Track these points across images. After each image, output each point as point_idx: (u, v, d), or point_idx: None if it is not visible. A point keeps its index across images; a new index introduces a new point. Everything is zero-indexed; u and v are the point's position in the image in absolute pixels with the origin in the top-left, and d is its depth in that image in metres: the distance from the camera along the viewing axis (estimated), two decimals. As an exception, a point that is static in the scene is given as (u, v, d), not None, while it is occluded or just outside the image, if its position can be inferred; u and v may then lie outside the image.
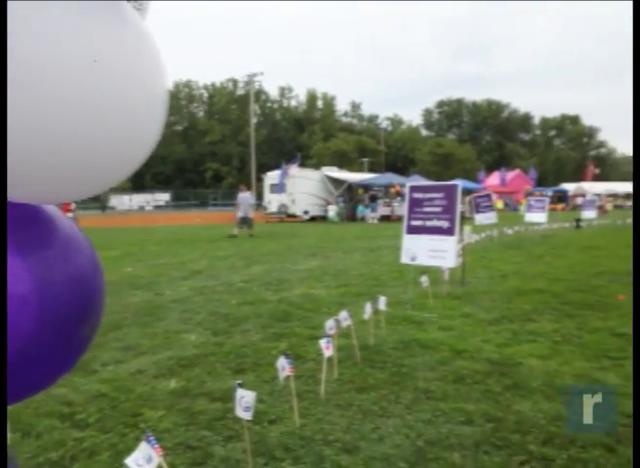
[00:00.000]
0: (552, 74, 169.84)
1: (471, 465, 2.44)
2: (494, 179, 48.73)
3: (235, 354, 4.30)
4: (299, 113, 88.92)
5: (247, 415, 2.35)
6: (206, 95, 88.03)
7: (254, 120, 64.89)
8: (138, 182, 70.14)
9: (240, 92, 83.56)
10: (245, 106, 71.27)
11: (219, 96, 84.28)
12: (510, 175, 50.84)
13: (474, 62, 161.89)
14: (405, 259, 5.79)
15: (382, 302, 4.73)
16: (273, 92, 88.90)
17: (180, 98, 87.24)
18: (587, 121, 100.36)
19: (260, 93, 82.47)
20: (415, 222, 5.61)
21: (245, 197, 18.63)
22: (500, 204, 43.78)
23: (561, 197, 50.60)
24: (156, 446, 1.82)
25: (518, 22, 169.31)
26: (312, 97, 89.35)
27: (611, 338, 4.59)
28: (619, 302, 6.16)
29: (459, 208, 5.37)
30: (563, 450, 2.56)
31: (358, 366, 3.91)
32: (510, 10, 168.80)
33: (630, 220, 23.19)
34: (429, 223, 5.48)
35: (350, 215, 30.78)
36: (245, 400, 2.34)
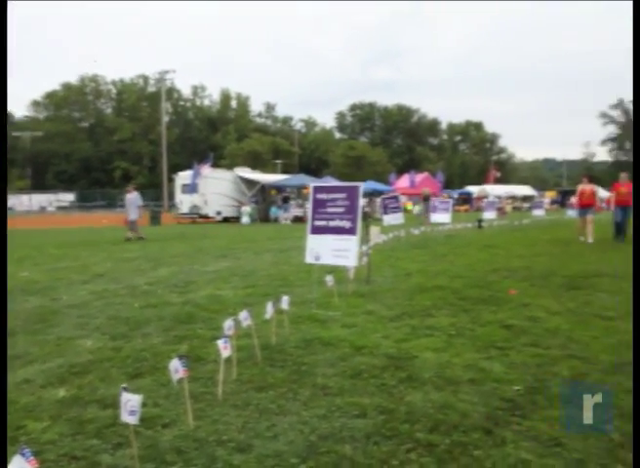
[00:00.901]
0: (458, 82, 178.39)
1: (361, 456, 2.51)
2: (404, 182, 50.44)
3: (133, 358, 4.16)
4: (212, 113, 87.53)
5: (133, 419, 2.29)
6: (114, 91, 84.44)
7: (165, 118, 63.09)
8: (38, 181, 66.04)
9: (151, 89, 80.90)
10: (156, 104, 69.13)
11: (128, 92, 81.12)
12: (419, 177, 52.71)
13: (386, 68, 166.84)
14: (309, 259, 5.87)
15: (285, 302, 4.76)
16: (186, 90, 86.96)
17: (87, 93, 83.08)
18: (490, 128, 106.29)
19: (171, 91, 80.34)
20: (318, 223, 5.70)
21: (132, 198, 17.84)
22: (409, 205, 45.40)
23: (466, 199, 53.21)
24: (31, 458, 1.73)
25: (428, 32, 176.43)
26: (226, 97, 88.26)
27: (500, 330, 4.89)
28: (510, 297, 6.57)
29: (360, 208, 5.50)
30: (447, 436, 2.69)
31: (259, 365, 3.91)
32: (420, 20, 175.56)
33: (526, 221, 24.86)
34: (332, 223, 5.59)
35: (263, 217, 30.71)
36: (130, 404, 2.27)
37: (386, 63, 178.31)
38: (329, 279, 6.20)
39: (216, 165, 43.08)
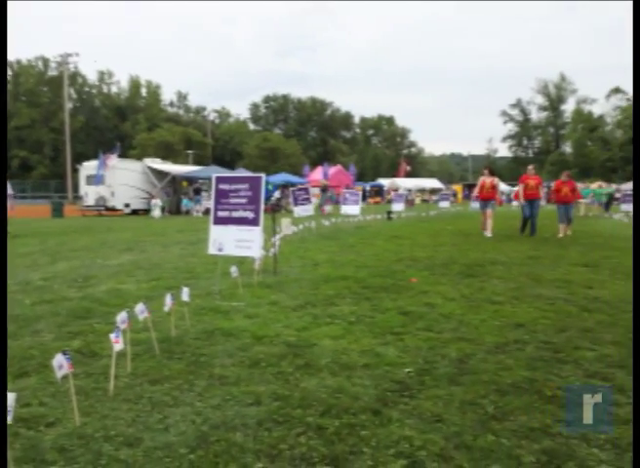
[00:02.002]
0: (371, 77, 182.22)
1: (251, 442, 2.54)
2: (317, 174, 50.91)
3: (20, 357, 3.93)
4: (120, 101, 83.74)
5: (7, 419, 2.16)
6: (10, 73, 78.55)
7: (69, 105, 59.61)
8: None
9: (52, 73, 75.96)
10: (58, 89, 65.04)
11: (25, 75, 75.66)
12: (333, 169, 53.39)
13: (300, 61, 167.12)
14: (212, 250, 5.80)
15: (186, 294, 4.68)
16: (91, 76, 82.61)
17: (-22, 76, 76.67)
18: (401, 122, 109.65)
19: (75, 75, 75.97)
20: (221, 213, 5.65)
21: None
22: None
23: (378, 191, 54.57)
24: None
25: (341, 27, 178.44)
26: (135, 85, 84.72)
27: (398, 316, 5.09)
28: (411, 284, 6.84)
29: (263, 199, 5.51)
30: (337, 419, 2.78)
31: (156, 358, 3.83)
32: (334, 14, 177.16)
33: (433, 212, 25.94)
34: (236, 214, 5.55)
35: (175, 209, 29.90)
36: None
37: (300, 56, 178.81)
38: (234, 270, 6.17)
39: (124, 155, 41.38)
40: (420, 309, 5.39)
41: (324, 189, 23.33)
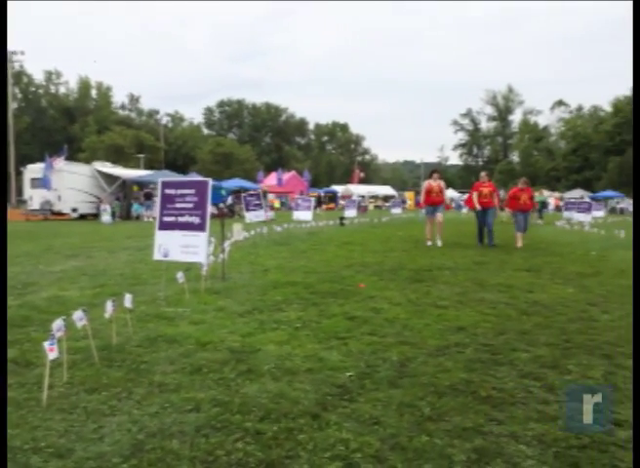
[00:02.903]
0: (326, 84, 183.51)
1: (187, 449, 2.51)
2: (271, 180, 50.92)
3: (-52, 368, 3.75)
4: (69, 102, 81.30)
5: None
6: (-51, 72, 75.06)
7: (14, 105, 57.48)
8: None
9: (-5, 72, 72.94)
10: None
11: (-34, 74, 72.45)
12: (287, 175, 53.52)
13: (255, 66, 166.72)
14: (157, 256, 5.72)
15: (129, 300, 4.59)
16: (38, 75, 79.91)
17: None
18: (355, 129, 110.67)
19: (20, 74, 73.35)
20: (167, 218, 5.57)
21: None
22: (277, 203, 45.89)
23: (332, 197, 54.91)
24: None
25: (297, 33, 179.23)
26: (85, 86, 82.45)
27: (344, 321, 5.13)
28: (359, 290, 6.91)
29: (209, 204, 5.47)
30: (276, 424, 2.78)
31: (95, 366, 3.73)
32: (289, 20, 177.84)
33: (385, 218, 26.28)
34: (181, 219, 5.49)
35: (125, 214, 29.23)
36: None
37: (255, 61, 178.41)
38: (180, 276, 6.09)
39: (72, 158, 40.20)
40: (365, 314, 5.45)
41: (264, 195, 23.23)
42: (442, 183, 13.50)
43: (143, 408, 3.02)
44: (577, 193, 55.59)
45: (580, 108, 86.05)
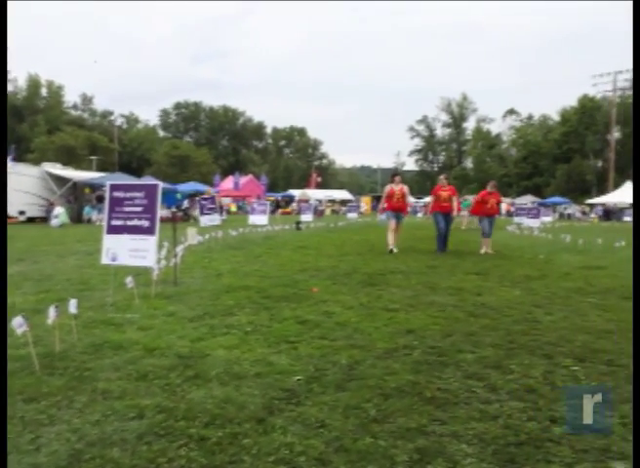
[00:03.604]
0: (284, 88, 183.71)
1: (128, 458, 2.46)
2: (228, 183, 50.51)
3: None
4: (17, 100, 78.45)
5: None
6: None
7: (-44, 104, 55.13)
8: None
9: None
10: (-56, 87, 59.87)
11: None
12: (244, 179, 53.21)
13: (211, 68, 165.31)
14: (105, 260, 5.59)
15: (73, 306, 4.47)
16: (-17, 73, 76.76)
17: None
18: (312, 134, 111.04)
19: (-36, 73, 70.31)
20: (115, 222, 5.46)
21: None
22: (233, 207, 45.55)
23: (288, 201, 54.92)
24: None
25: (254, 36, 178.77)
26: (35, 84, 79.73)
27: (294, 325, 5.14)
28: (312, 294, 6.93)
29: (159, 207, 5.39)
30: (221, 429, 2.76)
31: (35, 375, 3.61)
32: (247, 23, 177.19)
33: (341, 223, 26.45)
34: (130, 223, 5.39)
35: (76, 217, 28.39)
36: None
37: (213, 63, 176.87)
38: (129, 281, 5.96)
39: (21, 158, 38.82)
40: (317, 318, 5.47)
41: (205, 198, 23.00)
42: (405, 188, 12.60)
43: (85, 416, 2.94)
44: (527, 199, 57.37)
45: (530, 117, 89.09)
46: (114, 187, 5.52)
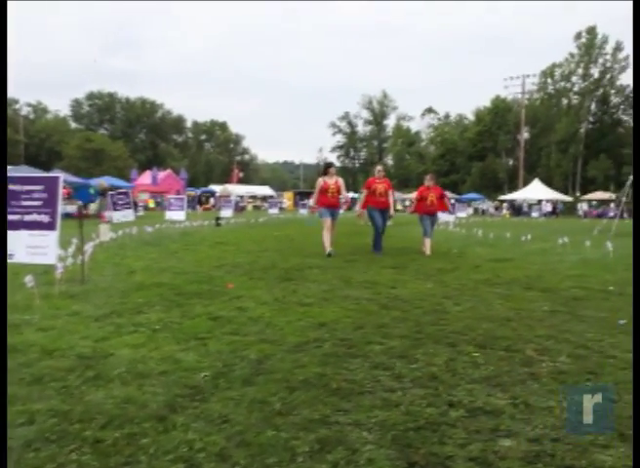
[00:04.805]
0: (204, 80, 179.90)
1: (12, 466, 2.33)
2: (146, 178, 48.97)
3: None
4: None
5: None
6: None
7: None
8: None
9: None
10: None
11: None
12: (162, 174, 51.77)
13: (128, 58, 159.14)
14: (0, 258, 5.24)
15: (-40, 307, 4.16)
16: None
17: None
18: (234, 128, 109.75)
19: None
20: (12, 217, 5.13)
21: None
22: (151, 202, 44.21)
23: (209, 197, 54.05)
24: None
25: (173, 26, 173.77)
26: None
27: (206, 322, 5.06)
28: (227, 290, 6.86)
29: (60, 201, 5.12)
30: (118, 430, 2.67)
31: None
32: (165, 12, 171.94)
33: (262, 219, 26.33)
34: (28, 218, 5.09)
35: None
36: None
37: (127, 53, 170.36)
38: (29, 279, 5.63)
39: None
40: (230, 314, 5.42)
41: (102, 192, 22.11)
42: (340, 181, 11.23)
43: (-33, 424, 2.75)
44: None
45: (447, 116, 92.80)
46: (10, 180, 5.19)
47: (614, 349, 4.28)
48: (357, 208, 13.01)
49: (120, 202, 12.88)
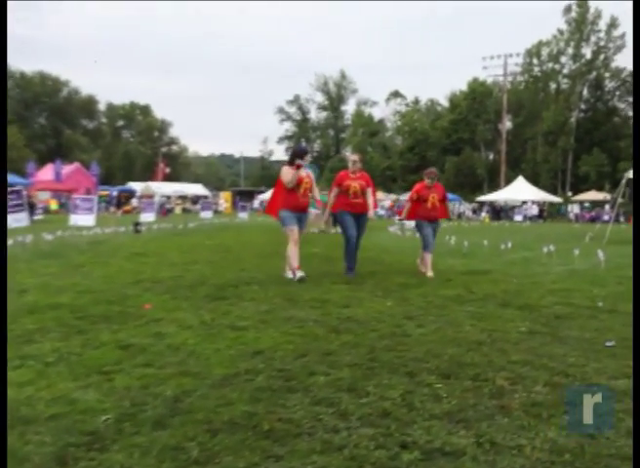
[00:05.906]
0: (122, 55, 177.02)
1: None
2: (47, 173, 47.84)
3: None
4: None
5: None
6: None
7: None
8: None
9: None
10: None
11: None
12: (68, 168, 50.75)
13: (22, 21, 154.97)
14: None
15: None
16: None
17: None
18: (159, 113, 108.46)
19: None
20: None
21: None
22: (54, 204, 43.17)
23: (129, 197, 53.17)
24: None
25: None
26: None
27: (114, 351, 4.99)
28: (143, 312, 6.77)
29: None
30: None
31: None
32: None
33: (192, 224, 26.15)
34: None
35: None
36: None
37: (23, 15, 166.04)
38: None
39: None
40: (144, 341, 5.36)
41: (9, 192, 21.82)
42: (312, 174, 10.08)
43: None
44: (413, 195, 60.49)
45: (416, 101, 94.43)
46: None
47: (598, 375, 4.45)
48: (325, 213, 12.15)
49: (12, 203, 12.53)
